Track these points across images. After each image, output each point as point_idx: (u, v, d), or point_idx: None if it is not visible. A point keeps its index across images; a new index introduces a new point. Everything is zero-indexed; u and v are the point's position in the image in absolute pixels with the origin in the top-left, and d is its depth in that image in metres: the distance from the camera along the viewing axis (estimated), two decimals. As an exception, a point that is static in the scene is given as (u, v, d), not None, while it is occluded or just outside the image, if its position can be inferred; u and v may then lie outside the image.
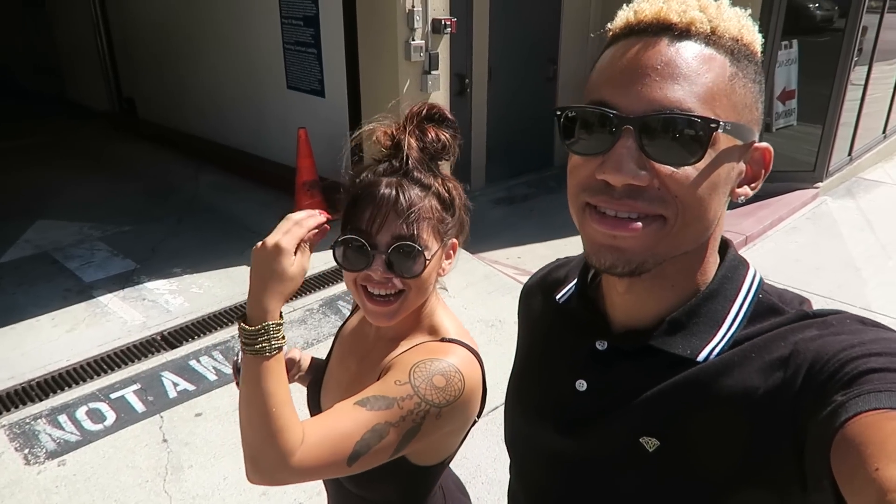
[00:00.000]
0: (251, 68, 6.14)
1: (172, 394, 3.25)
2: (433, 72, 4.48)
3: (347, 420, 0.95)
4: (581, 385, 0.79)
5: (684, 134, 0.65)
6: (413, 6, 4.27)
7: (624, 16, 0.72)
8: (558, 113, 0.73)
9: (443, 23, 4.39)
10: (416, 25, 4.30)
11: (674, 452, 0.71)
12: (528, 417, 0.88)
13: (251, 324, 0.94)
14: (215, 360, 3.50)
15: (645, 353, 0.75)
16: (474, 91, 5.90)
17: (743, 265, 0.78)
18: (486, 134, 6.02)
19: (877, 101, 6.88)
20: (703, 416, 0.70)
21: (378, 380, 1.04)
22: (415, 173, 1.05)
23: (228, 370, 3.42)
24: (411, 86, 4.49)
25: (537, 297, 0.95)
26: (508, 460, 0.95)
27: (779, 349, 0.69)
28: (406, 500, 1.19)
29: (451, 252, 1.12)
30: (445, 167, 1.12)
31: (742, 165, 0.72)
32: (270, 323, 0.94)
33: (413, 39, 4.33)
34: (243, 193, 5.90)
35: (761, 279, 0.77)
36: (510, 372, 0.96)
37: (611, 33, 0.74)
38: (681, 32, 0.67)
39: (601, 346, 0.79)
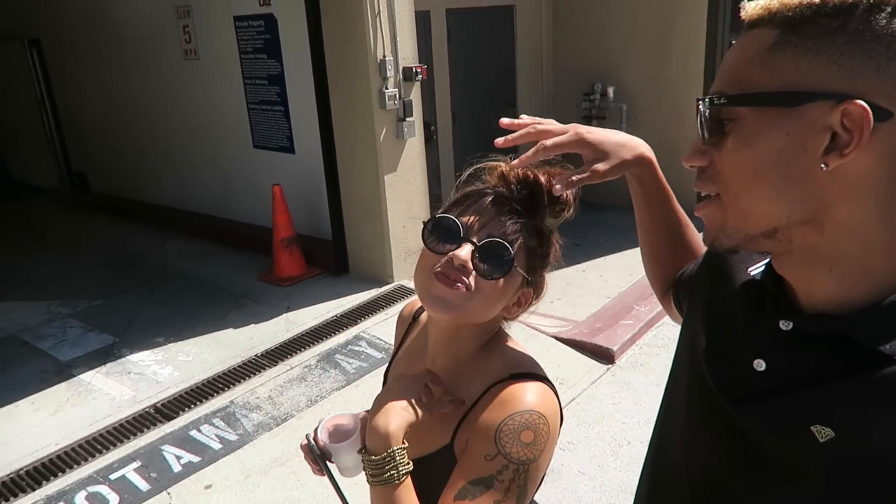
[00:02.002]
0: (213, 131, 6.08)
1: (177, 468, 3.06)
2: (408, 118, 4.52)
3: None
4: (759, 365, 0.76)
5: (700, 115, 0.72)
6: (385, 55, 4.33)
7: None
8: None
9: (414, 70, 4.46)
10: (388, 74, 4.35)
11: (847, 448, 0.67)
12: (703, 379, 0.85)
13: (376, 452, 0.93)
14: (217, 427, 3.33)
15: (835, 340, 0.70)
16: (440, 137, 5.99)
17: None
18: (455, 178, 6.08)
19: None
20: (892, 420, 0.65)
21: (458, 444, 1.01)
22: (529, 202, 1.03)
23: (233, 437, 3.26)
24: (387, 134, 4.51)
25: (726, 259, 0.92)
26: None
27: None
28: None
29: (524, 301, 1.08)
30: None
31: (820, 132, 0.65)
32: (395, 448, 0.93)
33: (386, 88, 4.38)
34: (215, 257, 5.75)
35: None
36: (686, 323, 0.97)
37: None
38: (749, 25, 0.71)
39: (785, 326, 0.75)
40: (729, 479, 0.81)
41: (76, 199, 7.90)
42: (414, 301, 1.27)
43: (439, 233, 1.01)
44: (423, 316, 1.22)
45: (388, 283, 4.84)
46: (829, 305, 0.72)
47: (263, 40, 5.25)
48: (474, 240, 0.99)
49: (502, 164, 1.06)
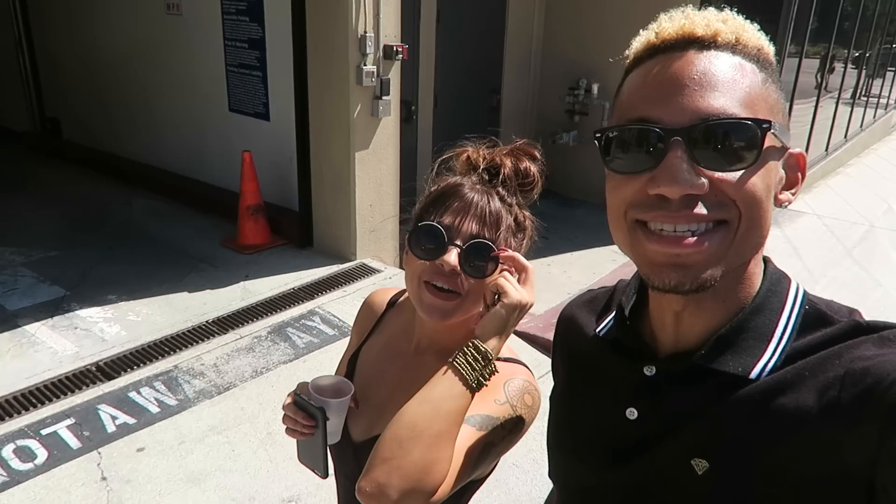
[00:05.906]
0: (190, 90, 5.96)
1: (111, 428, 3.03)
2: (384, 97, 4.46)
3: (462, 443, 0.96)
4: (631, 413, 0.78)
5: (734, 139, 0.65)
6: (366, 31, 4.26)
7: (644, 38, 0.74)
8: (598, 135, 0.72)
9: (394, 49, 4.39)
10: (368, 51, 4.28)
11: (723, 475, 0.70)
12: (574, 454, 0.86)
13: (490, 354, 0.94)
14: (157, 391, 3.30)
15: (695, 374, 0.73)
16: (420, 118, 5.93)
17: (785, 277, 0.77)
18: (432, 160, 6.05)
19: (796, 136, 7.35)
20: (754, 437, 0.68)
21: None
22: (501, 189, 1.07)
23: (172, 402, 3.23)
24: (362, 110, 4.45)
25: (576, 326, 0.94)
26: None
27: (833, 368, 0.67)
28: None
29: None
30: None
31: (782, 170, 0.72)
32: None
33: (365, 65, 4.31)
34: (180, 218, 5.67)
35: (805, 291, 0.76)
36: (548, 408, 0.96)
37: (631, 57, 0.75)
38: (707, 43, 0.69)
39: (649, 371, 0.77)
40: None
41: (47, 144, 7.73)
42: (385, 290, 1.31)
43: (426, 241, 1.04)
44: (403, 302, 1.25)
45: (350, 260, 4.81)
46: (691, 342, 0.74)
47: (247, 3, 5.13)
48: (458, 242, 1.02)
49: (468, 148, 1.12)
